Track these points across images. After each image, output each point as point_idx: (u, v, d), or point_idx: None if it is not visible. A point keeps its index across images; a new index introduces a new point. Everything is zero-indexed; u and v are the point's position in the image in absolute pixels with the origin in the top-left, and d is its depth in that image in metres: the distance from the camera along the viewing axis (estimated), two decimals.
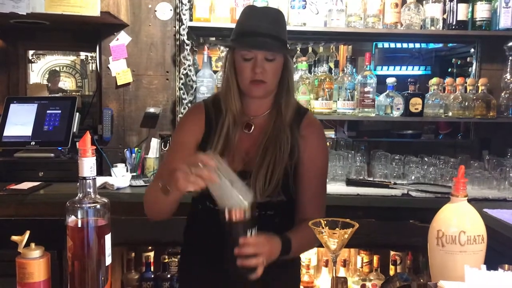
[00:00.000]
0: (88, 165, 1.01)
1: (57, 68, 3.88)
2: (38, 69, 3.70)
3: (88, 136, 1.02)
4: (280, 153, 1.48)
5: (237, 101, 1.50)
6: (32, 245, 1.04)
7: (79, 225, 1.01)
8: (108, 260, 1.04)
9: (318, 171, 1.56)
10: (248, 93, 1.50)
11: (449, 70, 3.49)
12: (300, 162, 1.52)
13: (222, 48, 3.19)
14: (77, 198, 1.02)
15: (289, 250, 1.40)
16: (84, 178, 1.02)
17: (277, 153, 1.48)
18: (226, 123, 1.50)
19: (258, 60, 1.43)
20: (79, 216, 1.01)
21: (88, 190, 1.02)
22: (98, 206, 1.03)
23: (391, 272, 2.79)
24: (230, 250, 1.25)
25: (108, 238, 1.04)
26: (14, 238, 1.05)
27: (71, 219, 1.01)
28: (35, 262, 1.02)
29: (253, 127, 1.54)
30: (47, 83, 3.80)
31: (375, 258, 2.81)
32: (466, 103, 2.73)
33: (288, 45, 1.54)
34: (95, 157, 1.03)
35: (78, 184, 1.04)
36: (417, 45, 3.70)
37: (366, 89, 2.65)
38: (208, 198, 1.32)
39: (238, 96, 1.51)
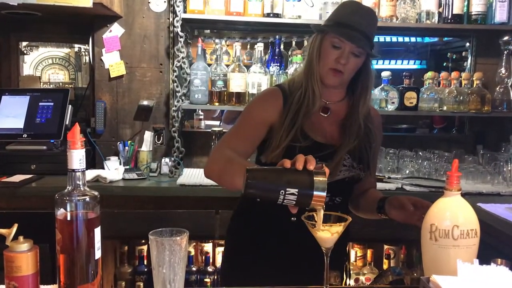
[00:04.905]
0: (77, 157, 0.99)
1: (50, 60, 3.83)
2: (31, 61, 3.65)
3: (77, 128, 1.00)
4: (359, 134, 1.57)
5: (319, 83, 1.54)
6: (20, 238, 1.02)
7: (68, 218, 0.99)
8: (98, 254, 1.02)
9: (377, 151, 1.76)
10: (324, 79, 1.55)
11: (444, 64, 3.49)
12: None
13: (217, 40, 3.17)
14: (66, 190, 1.00)
15: None
16: (73, 170, 1.00)
17: (357, 133, 1.56)
18: (306, 101, 1.53)
19: (345, 51, 1.50)
20: (68, 209, 0.99)
21: (78, 182, 1.00)
22: (88, 199, 1.01)
23: (385, 266, 2.80)
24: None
25: (97, 231, 1.02)
26: (2, 231, 1.02)
27: (60, 212, 0.99)
28: (23, 256, 1.00)
29: (329, 111, 1.59)
30: None
31: (369, 252, 2.81)
32: (461, 98, 2.73)
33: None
34: (84, 149, 1.01)
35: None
36: (413, 39, 3.69)
37: None
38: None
39: (319, 78, 1.54)
